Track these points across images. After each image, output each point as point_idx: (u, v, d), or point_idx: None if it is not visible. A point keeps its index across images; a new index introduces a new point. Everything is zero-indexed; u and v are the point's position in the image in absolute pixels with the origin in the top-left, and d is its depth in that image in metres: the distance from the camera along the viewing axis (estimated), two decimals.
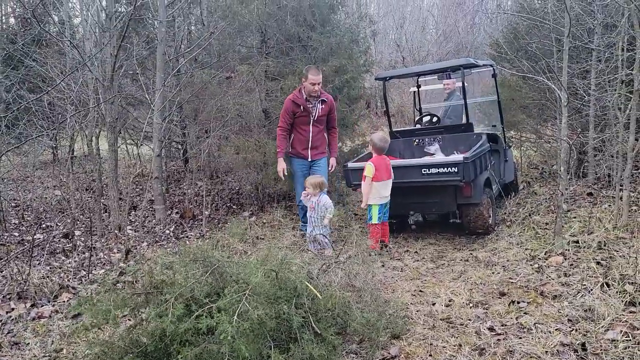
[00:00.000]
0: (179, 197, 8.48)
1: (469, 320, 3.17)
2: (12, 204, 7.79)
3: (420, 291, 3.83)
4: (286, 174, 5.36)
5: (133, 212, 7.41)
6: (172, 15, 8.25)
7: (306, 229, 5.12)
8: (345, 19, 9.30)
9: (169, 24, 8.98)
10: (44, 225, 6.85)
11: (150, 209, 7.46)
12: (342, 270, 3.31)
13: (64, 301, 3.96)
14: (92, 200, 7.05)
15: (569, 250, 4.17)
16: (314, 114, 5.34)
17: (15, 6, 11.59)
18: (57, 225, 6.82)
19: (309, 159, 5.45)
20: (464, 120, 6.52)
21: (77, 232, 6.25)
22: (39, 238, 5.99)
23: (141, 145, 9.74)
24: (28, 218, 7.16)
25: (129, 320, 2.46)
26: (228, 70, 7.43)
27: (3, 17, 11.49)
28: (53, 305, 3.88)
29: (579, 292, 3.37)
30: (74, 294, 4.14)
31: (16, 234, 6.34)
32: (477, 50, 18.16)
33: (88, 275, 4.60)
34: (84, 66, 5.85)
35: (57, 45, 8.67)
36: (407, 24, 22.48)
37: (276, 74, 7.11)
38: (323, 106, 5.41)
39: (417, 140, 6.33)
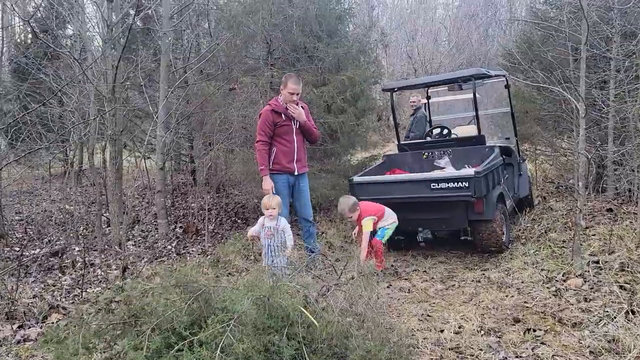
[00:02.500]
0: (184, 211, 8.32)
1: (480, 350, 2.92)
2: (17, 217, 7.70)
3: (428, 315, 3.58)
4: (274, 191, 4.76)
5: (137, 226, 7.26)
6: (180, 27, 8.16)
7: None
8: (353, 30, 9.14)
9: (176, 36, 8.91)
10: (45, 240, 6.72)
11: (154, 223, 7.30)
12: (344, 292, 3.07)
13: (52, 322, 3.78)
14: (94, 214, 6.91)
15: (588, 271, 3.89)
16: (296, 121, 4.87)
17: (22, 19, 11.66)
18: (58, 239, 6.69)
19: (296, 172, 4.90)
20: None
21: (76, 248, 6.11)
22: (34, 253, 5.85)
23: (148, 157, 9.62)
24: (31, 232, 7.04)
25: (104, 352, 2.26)
26: (232, 81, 7.28)
27: (9, 27, 11.54)
28: (41, 327, 3.70)
29: (601, 320, 3.10)
30: (64, 314, 3.96)
31: (17, 249, 6.21)
32: (490, 61, 17.95)
33: (82, 294, 4.42)
34: (83, 78, 5.74)
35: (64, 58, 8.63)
36: (419, 36, 22.41)
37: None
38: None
39: (426, 154, 6.11)
